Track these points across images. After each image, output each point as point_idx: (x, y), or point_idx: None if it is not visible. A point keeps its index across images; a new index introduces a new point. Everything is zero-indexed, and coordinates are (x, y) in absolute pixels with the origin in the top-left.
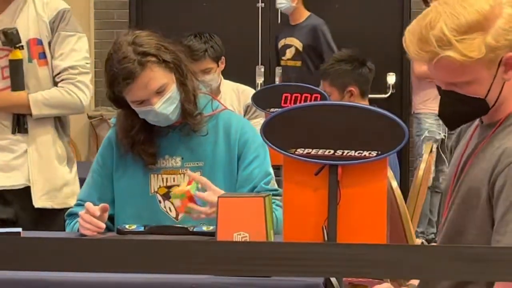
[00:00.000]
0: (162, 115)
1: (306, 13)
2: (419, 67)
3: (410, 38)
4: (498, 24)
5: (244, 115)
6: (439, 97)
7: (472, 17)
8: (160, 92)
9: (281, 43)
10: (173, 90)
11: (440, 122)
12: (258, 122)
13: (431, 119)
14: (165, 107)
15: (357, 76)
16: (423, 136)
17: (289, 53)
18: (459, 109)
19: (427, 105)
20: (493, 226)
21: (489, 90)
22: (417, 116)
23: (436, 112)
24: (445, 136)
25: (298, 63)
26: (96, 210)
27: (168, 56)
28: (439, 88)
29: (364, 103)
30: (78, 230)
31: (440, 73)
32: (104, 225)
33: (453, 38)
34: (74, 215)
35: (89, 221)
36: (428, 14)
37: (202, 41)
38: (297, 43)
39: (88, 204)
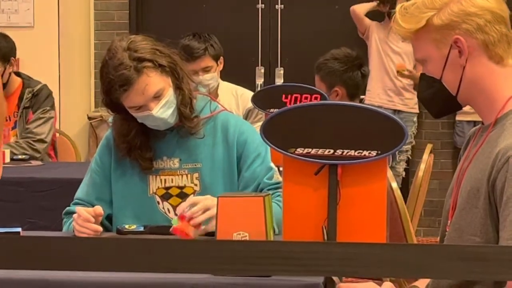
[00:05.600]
0: (161, 119)
1: None
2: None
3: None
4: (450, 6)
5: (246, 120)
6: None
7: None
8: (157, 97)
9: None
10: (170, 94)
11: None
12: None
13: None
14: (163, 111)
15: (346, 78)
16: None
17: None
18: (429, 91)
19: None
20: (495, 224)
21: (443, 71)
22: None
23: None
24: None
25: None
26: (90, 216)
27: (163, 60)
28: None
29: None
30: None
31: None
32: (101, 228)
33: (399, 11)
34: (72, 213)
35: (85, 226)
36: None
37: (202, 40)
38: None
39: (80, 210)
